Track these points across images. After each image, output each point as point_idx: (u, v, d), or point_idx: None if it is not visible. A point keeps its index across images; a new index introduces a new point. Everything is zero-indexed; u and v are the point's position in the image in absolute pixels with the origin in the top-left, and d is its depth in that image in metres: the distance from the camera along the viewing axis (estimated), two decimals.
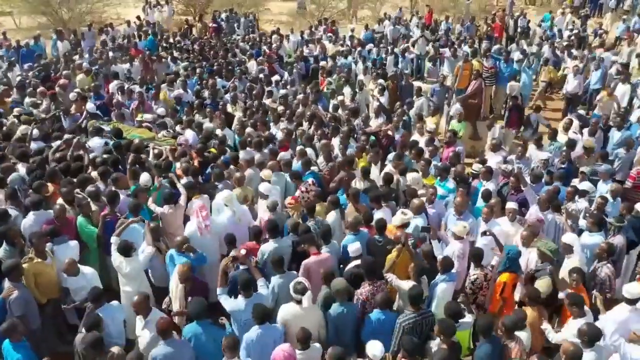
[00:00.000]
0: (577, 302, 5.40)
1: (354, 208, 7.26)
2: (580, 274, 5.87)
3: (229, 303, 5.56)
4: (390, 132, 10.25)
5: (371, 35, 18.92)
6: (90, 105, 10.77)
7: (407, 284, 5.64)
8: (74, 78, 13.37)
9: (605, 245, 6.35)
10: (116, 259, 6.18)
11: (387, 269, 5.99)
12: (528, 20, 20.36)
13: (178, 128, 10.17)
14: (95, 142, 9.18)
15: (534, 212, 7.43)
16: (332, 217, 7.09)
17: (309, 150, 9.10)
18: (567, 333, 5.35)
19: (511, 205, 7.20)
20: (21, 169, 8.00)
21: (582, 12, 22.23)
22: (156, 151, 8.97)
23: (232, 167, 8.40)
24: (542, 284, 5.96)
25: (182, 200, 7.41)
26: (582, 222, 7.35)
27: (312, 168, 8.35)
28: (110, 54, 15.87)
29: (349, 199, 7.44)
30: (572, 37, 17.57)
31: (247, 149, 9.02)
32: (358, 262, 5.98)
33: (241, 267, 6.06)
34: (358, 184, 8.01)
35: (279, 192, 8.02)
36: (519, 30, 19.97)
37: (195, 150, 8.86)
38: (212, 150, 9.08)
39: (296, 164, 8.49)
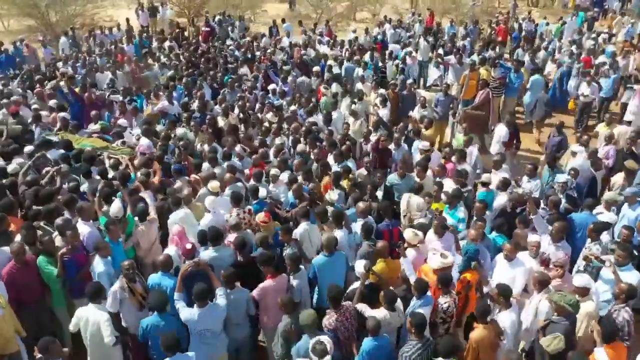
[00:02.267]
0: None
1: (319, 227, 6.91)
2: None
3: (184, 312, 5.42)
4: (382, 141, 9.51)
5: (383, 39, 17.93)
6: (62, 114, 10.17)
7: (379, 313, 5.44)
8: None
9: (625, 286, 5.53)
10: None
11: (356, 300, 5.67)
12: (536, 24, 19.60)
13: (134, 138, 9.54)
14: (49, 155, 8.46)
15: (544, 242, 6.59)
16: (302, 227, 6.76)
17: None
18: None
19: (534, 238, 6.34)
20: None
21: (589, 14, 21.52)
22: (112, 161, 8.41)
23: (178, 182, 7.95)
24: (550, 341, 5.09)
25: (153, 212, 7.03)
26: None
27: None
28: (97, 59, 15.15)
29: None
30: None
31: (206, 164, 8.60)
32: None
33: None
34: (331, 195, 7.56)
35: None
36: (523, 34, 19.30)
37: (155, 158, 8.44)
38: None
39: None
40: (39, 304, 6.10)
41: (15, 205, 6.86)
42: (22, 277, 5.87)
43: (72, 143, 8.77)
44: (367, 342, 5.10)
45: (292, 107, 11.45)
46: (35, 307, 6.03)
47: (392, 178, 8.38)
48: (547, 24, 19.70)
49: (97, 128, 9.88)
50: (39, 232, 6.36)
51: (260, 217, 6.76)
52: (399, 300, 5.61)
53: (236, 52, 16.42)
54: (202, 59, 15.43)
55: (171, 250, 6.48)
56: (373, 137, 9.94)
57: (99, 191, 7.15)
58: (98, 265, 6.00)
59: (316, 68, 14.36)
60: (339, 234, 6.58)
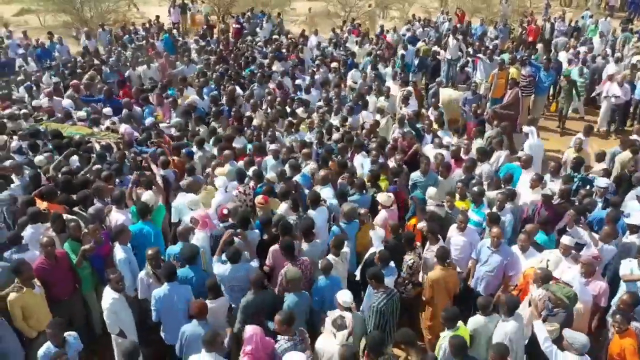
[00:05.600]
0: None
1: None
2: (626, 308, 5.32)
3: (216, 267, 6.00)
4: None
5: (413, 38, 17.66)
6: (66, 102, 10.49)
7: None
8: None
9: (627, 297, 5.48)
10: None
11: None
12: (571, 20, 19.31)
13: (108, 122, 9.77)
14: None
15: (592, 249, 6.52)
16: (282, 208, 7.09)
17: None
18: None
19: (566, 240, 6.25)
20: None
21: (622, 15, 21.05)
22: (103, 142, 8.73)
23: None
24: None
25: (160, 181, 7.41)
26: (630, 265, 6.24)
27: None
28: (128, 53, 15.49)
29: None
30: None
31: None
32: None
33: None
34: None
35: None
36: (555, 34, 18.96)
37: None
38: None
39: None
40: (73, 297, 6.09)
41: (56, 193, 6.89)
42: (52, 274, 5.76)
43: (61, 132, 9.01)
44: (321, 280, 5.79)
45: (319, 103, 11.52)
46: (69, 300, 6.02)
47: (415, 175, 8.33)
48: (591, 15, 19.45)
49: (82, 115, 10.06)
50: (71, 217, 6.43)
51: (258, 199, 7.08)
52: (346, 247, 6.26)
53: (264, 49, 16.58)
54: (232, 55, 15.60)
55: (200, 235, 6.46)
56: (398, 134, 9.91)
57: (132, 183, 7.26)
58: (118, 252, 6.03)
59: (334, 64, 14.39)
60: (311, 213, 6.90)
